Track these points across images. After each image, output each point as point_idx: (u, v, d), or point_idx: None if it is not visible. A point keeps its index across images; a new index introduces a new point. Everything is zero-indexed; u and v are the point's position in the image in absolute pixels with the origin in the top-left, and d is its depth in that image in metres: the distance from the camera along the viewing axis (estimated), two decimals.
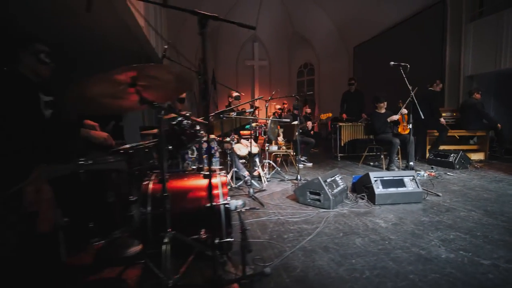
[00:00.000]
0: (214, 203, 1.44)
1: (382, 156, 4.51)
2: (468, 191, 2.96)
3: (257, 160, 3.69)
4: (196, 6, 1.13)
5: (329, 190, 2.46)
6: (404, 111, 4.37)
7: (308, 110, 6.19)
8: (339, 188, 2.62)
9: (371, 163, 4.82)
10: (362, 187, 2.76)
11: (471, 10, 5.67)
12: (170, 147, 1.77)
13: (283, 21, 10.99)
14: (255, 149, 3.86)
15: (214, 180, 1.50)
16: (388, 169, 4.19)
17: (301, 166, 4.47)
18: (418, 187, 2.63)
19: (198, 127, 1.66)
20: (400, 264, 1.50)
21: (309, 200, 2.57)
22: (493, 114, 5.69)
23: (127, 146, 1.67)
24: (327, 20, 9.99)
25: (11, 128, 1.41)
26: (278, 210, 2.45)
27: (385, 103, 4.49)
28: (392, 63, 3.19)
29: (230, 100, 3.82)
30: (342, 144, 5.21)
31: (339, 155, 5.33)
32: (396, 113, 4.40)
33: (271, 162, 3.83)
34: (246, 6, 10.31)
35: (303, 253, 1.66)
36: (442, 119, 4.79)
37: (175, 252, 1.31)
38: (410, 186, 2.62)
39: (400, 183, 2.64)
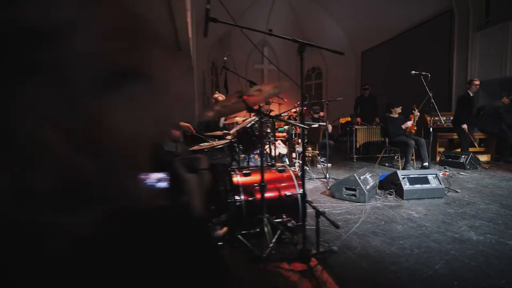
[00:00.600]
0: (291, 193, 1.77)
1: (396, 157, 4.86)
2: (482, 188, 3.29)
3: (286, 160, 4.03)
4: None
5: (364, 186, 2.79)
6: (417, 113, 4.74)
7: (321, 114, 6.54)
8: (370, 185, 2.95)
9: (386, 164, 5.15)
10: (390, 184, 3.09)
11: (478, 20, 6.04)
12: (241, 146, 2.10)
13: (293, 26, 11.35)
14: (284, 150, 4.19)
15: (289, 174, 1.83)
16: (404, 169, 4.52)
17: (319, 166, 4.81)
18: (440, 183, 2.96)
19: (269, 130, 1.99)
20: (440, 244, 1.83)
21: (345, 196, 2.89)
22: None
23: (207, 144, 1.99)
24: (336, 26, 10.36)
25: None
26: (319, 204, 2.78)
27: (400, 108, 4.83)
28: (413, 72, 3.53)
29: (261, 105, 4.14)
30: (358, 146, 5.56)
31: (354, 156, 5.66)
32: (407, 116, 4.80)
33: (300, 162, 4.16)
34: (257, 11, 10.70)
35: (356, 236, 1.98)
36: (464, 125, 4.79)
37: (261, 233, 1.64)
38: (433, 183, 2.96)
39: (424, 180, 2.97)
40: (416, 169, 4.51)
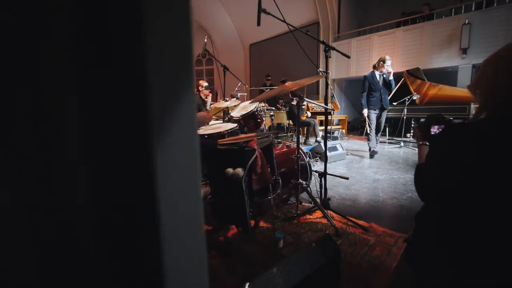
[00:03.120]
0: (303, 162, 2.28)
1: (294, 135, 6.26)
2: (357, 150, 5.05)
3: None
4: None
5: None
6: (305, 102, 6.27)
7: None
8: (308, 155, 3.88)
9: (290, 140, 6.49)
10: (315, 153, 4.16)
11: (334, 34, 8.41)
12: (246, 129, 2.35)
13: None
14: None
15: (295, 147, 2.31)
16: (305, 143, 5.94)
17: None
18: (343, 149, 4.33)
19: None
20: (370, 184, 2.94)
21: None
22: (344, 105, 8.90)
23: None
24: (226, 16, 10.91)
25: None
26: None
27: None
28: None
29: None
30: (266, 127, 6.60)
31: None
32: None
33: None
34: None
35: (328, 189, 2.77)
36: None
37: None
38: (340, 150, 4.28)
39: (335, 148, 4.24)
40: (314, 143, 6.03)
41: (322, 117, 7.31)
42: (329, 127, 6.86)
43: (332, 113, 6.10)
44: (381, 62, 4.10)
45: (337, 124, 8.29)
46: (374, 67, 4.21)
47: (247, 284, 0.86)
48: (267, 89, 7.29)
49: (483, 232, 0.69)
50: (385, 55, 4.21)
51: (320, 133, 6.30)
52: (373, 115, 4.21)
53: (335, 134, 6.48)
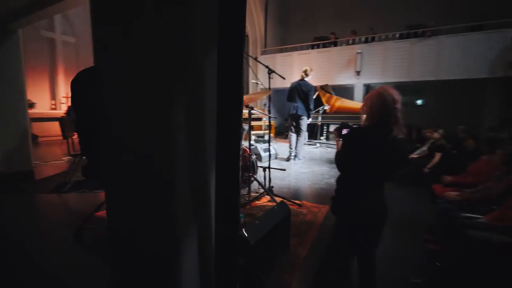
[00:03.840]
0: (252, 159, 2.83)
1: None
2: (283, 150, 5.97)
3: None
4: None
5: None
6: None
7: None
8: None
9: None
10: (253, 153, 4.79)
11: (261, 47, 9.42)
12: None
13: None
14: None
15: (244, 148, 2.83)
16: None
17: None
18: (275, 150, 5.12)
19: None
20: (299, 175, 3.73)
21: None
22: (273, 113, 10.00)
23: None
24: None
25: None
26: None
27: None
28: (253, 80, 5.40)
29: None
30: None
31: None
32: None
33: None
34: None
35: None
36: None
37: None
38: (272, 150, 5.05)
39: (268, 149, 4.97)
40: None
41: (253, 122, 8.11)
42: (260, 132, 7.71)
43: (265, 119, 6.88)
44: (310, 72, 4.59)
45: (266, 129, 9.28)
46: (302, 77, 4.59)
47: (243, 229, 1.31)
48: None
49: (368, 181, 1.36)
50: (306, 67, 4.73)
51: (252, 137, 7.00)
52: None
53: (265, 138, 7.35)
